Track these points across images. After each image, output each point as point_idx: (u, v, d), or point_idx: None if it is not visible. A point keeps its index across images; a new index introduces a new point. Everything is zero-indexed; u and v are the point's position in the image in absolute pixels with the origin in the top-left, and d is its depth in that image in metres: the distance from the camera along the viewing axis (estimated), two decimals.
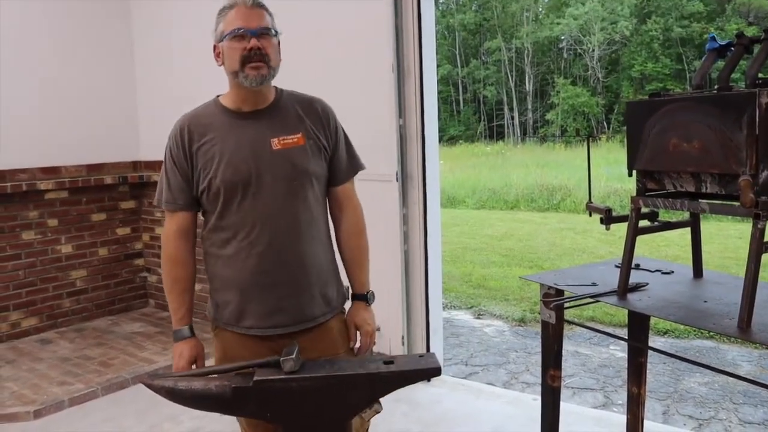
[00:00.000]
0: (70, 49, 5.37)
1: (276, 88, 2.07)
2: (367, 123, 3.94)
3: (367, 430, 2.12)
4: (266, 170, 1.94)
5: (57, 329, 5.33)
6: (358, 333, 2.16)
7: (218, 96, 2.07)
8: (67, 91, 5.36)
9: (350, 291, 2.21)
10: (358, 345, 2.17)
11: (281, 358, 1.68)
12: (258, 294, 1.98)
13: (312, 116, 2.05)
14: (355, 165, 2.17)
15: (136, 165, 5.79)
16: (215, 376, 1.76)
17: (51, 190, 5.25)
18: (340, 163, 2.12)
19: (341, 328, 2.14)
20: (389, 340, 4.26)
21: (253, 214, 1.95)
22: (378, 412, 1.98)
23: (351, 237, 2.17)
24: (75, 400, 3.96)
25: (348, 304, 2.21)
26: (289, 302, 1.99)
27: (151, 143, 5.73)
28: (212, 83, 5.63)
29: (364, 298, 2.18)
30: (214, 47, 2.00)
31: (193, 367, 2.05)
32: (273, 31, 1.96)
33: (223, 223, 1.98)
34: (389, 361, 1.73)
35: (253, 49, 1.89)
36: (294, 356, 1.67)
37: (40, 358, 4.67)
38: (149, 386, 1.74)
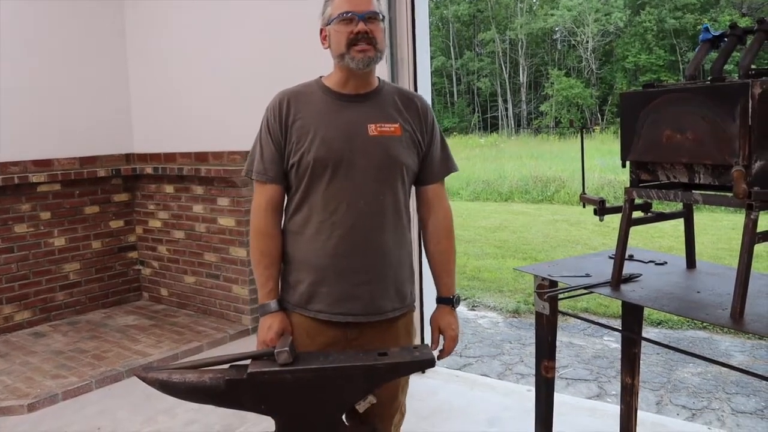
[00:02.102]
0: (63, 42, 5.33)
1: (378, 78, 2.06)
2: None
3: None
4: (359, 154, 1.92)
5: (50, 322, 5.32)
6: (441, 337, 2.12)
7: (321, 77, 2.06)
8: (60, 84, 5.32)
9: (435, 294, 2.17)
10: (441, 348, 2.12)
11: (275, 350, 1.68)
12: (332, 277, 1.95)
13: (411, 110, 2.03)
14: (448, 166, 2.13)
15: (129, 157, 5.76)
16: (209, 368, 1.76)
17: (43, 182, 5.22)
18: (434, 161, 2.08)
19: (407, 326, 2.11)
20: None
21: (339, 196, 1.92)
22: (372, 404, 1.98)
23: (440, 239, 2.12)
24: (69, 393, 3.95)
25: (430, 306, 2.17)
26: (362, 290, 1.95)
27: (144, 136, 5.70)
28: (204, 74, 5.55)
29: (450, 301, 2.13)
30: (321, 31, 2.01)
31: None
32: (380, 15, 1.95)
33: (308, 201, 1.96)
34: (383, 353, 1.73)
35: (360, 32, 1.89)
36: (288, 348, 1.67)
37: (33, 351, 4.66)
38: (143, 379, 1.74)
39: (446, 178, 2.15)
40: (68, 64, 5.37)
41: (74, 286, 5.51)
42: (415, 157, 2.02)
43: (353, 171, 1.91)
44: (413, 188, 2.13)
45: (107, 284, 5.73)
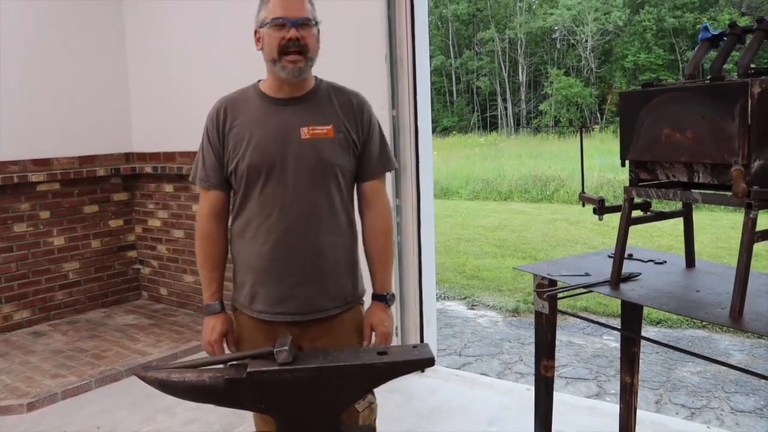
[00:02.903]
0: (62, 41, 5.33)
1: (315, 77, 2.08)
2: None
3: (374, 420, 2.13)
4: (292, 158, 1.95)
5: (50, 322, 5.32)
6: (373, 333, 2.14)
7: (258, 81, 2.09)
8: (59, 83, 5.32)
9: (371, 290, 2.19)
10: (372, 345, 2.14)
11: (275, 349, 1.68)
12: (270, 279, 2.00)
13: (346, 110, 2.05)
14: (385, 163, 2.15)
15: (128, 157, 5.76)
16: (209, 367, 1.76)
17: (43, 182, 5.22)
18: (371, 159, 2.10)
19: (356, 321, 2.13)
20: None
21: (273, 200, 1.97)
22: (372, 403, 1.98)
23: (376, 236, 2.14)
24: (68, 393, 3.95)
25: (368, 301, 2.19)
26: (299, 291, 2.00)
27: (144, 135, 5.70)
28: (204, 74, 5.56)
29: (383, 298, 2.15)
30: (255, 32, 2.02)
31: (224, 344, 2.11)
32: (313, 21, 1.97)
33: (246, 206, 2.02)
34: (383, 352, 1.73)
35: (291, 39, 1.91)
36: (288, 347, 1.67)
37: (33, 350, 4.66)
38: (143, 378, 1.73)
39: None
40: (68, 63, 5.37)
41: (73, 285, 5.51)
42: (351, 157, 2.04)
43: (286, 175, 1.95)
44: (356, 187, 2.15)
45: (106, 283, 5.74)
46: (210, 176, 2.05)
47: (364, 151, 2.08)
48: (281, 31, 1.91)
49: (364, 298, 2.19)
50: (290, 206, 1.96)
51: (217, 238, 2.09)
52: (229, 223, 2.11)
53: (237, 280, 2.10)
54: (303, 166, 1.95)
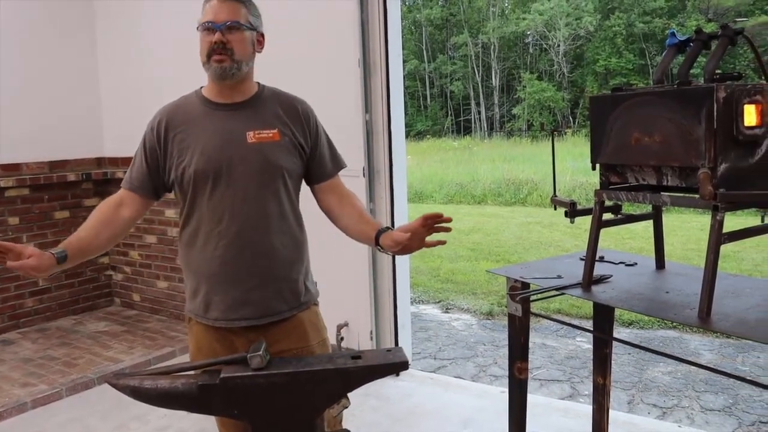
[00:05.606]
0: (31, 43, 5.25)
1: (259, 83, 2.10)
2: (333, 118, 3.89)
3: (340, 421, 2.13)
4: (239, 162, 1.96)
5: (19, 329, 5.22)
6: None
7: (201, 87, 2.10)
8: (29, 86, 5.23)
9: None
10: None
11: (248, 355, 1.67)
12: (224, 286, 1.99)
13: (291, 115, 2.06)
14: (337, 163, 2.19)
15: (100, 161, 5.69)
16: (182, 373, 1.74)
17: (12, 187, 5.13)
18: (324, 161, 2.13)
19: (312, 320, 2.13)
20: (357, 335, 4.27)
21: (222, 205, 1.97)
22: (346, 407, 1.98)
23: (351, 203, 2.12)
24: (38, 402, 3.89)
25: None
26: (254, 295, 1.99)
27: (116, 139, 5.63)
28: (177, 77, 5.53)
29: (383, 230, 1.98)
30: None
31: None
32: (244, 26, 1.97)
33: (195, 213, 2.01)
34: (357, 356, 1.73)
35: (216, 42, 1.93)
36: (261, 353, 1.67)
37: (1, 359, 4.57)
38: (114, 386, 1.72)
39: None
40: (36, 66, 5.28)
41: (44, 292, 5.42)
42: (298, 160, 2.06)
43: (234, 179, 1.96)
44: (313, 191, 2.17)
45: (78, 290, 5.65)
46: (133, 179, 2.06)
47: (315, 156, 2.11)
48: (210, 35, 1.95)
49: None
50: (240, 210, 1.96)
51: (105, 210, 2.02)
52: (178, 233, 2.11)
53: (189, 289, 2.09)
54: (251, 169, 1.96)
